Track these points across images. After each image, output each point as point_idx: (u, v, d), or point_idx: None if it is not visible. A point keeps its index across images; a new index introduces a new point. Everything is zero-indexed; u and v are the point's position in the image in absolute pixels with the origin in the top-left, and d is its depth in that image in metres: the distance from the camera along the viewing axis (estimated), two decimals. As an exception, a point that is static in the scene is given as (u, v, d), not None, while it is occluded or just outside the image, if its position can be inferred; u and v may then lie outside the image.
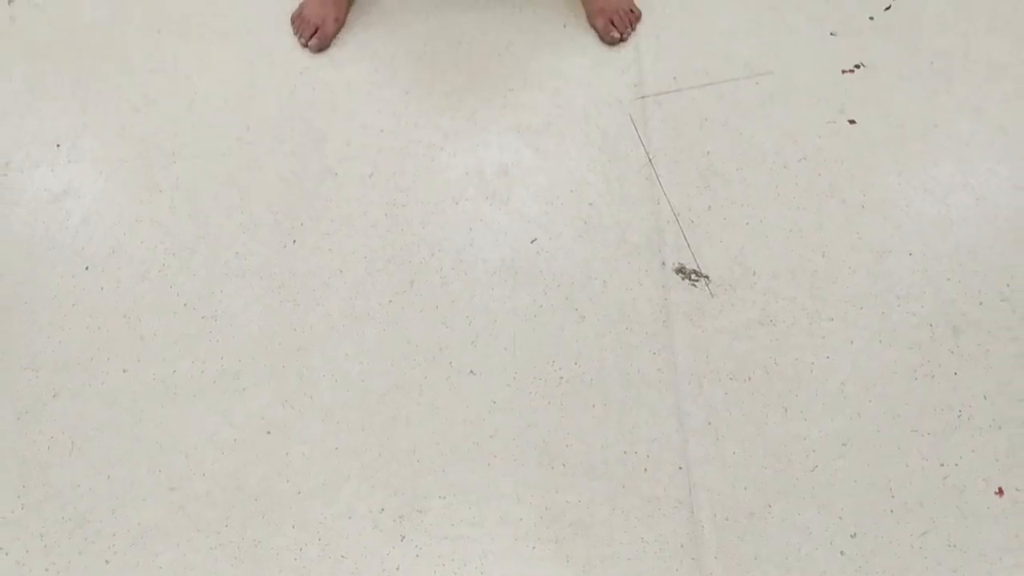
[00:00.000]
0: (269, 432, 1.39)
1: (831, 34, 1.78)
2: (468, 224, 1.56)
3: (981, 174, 1.61)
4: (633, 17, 1.78)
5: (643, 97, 1.69)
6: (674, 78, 1.71)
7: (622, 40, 1.76)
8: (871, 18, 1.81)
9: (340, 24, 1.77)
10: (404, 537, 1.33)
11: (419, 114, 1.68)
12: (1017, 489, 1.35)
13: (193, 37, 1.77)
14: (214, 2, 1.83)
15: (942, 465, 1.36)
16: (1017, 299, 1.48)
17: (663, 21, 1.79)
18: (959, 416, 1.39)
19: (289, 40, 1.76)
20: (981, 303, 1.48)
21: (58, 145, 1.63)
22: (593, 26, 1.78)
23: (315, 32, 1.74)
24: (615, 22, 1.75)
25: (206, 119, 1.66)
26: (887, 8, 1.83)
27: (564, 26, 1.80)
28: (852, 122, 1.66)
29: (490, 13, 1.82)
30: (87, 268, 1.51)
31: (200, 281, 1.50)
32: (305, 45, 1.75)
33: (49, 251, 1.53)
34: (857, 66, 1.74)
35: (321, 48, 1.75)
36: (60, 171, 1.60)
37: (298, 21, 1.77)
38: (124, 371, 1.43)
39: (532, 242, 1.54)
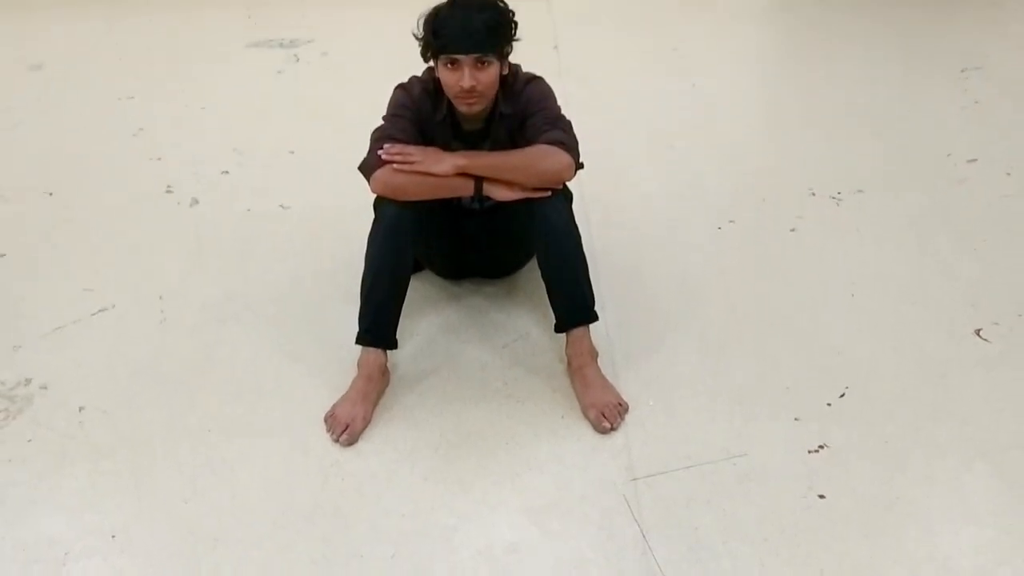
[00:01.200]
0: None
1: (795, 419, 2.05)
2: (481, 602, 1.70)
3: (944, 541, 1.77)
4: (621, 409, 2.06)
5: (634, 479, 1.91)
6: (661, 461, 1.95)
7: (613, 429, 2.02)
8: (828, 404, 2.09)
9: (367, 421, 2.05)
10: None
11: (435, 498, 1.89)
12: None
13: (239, 435, 2.04)
14: (258, 404, 2.12)
15: None
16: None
17: (648, 412, 2.07)
18: None
19: (322, 436, 2.03)
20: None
21: (113, 536, 1.81)
22: (587, 417, 2.05)
23: (345, 429, 2.01)
24: (606, 414, 2.03)
25: (247, 508, 1.87)
26: (841, 395, 2.11)
27: (562, 417, 2.07)
28: (822, 497, 1.86)
29: (496, 407, 2.10)
30: (129, 653, 1.63)
31: (233, 663, 1.62)
32: (336, 440, 2.01)
33: (95, 638, 1.66)
34: (821, 447, 1.98)
35: (350, 442, 2.00)
36: (113, 560, 1.77)
37: (331, 420, 2.04)
38: None
39: (540, 617, 1.67)
